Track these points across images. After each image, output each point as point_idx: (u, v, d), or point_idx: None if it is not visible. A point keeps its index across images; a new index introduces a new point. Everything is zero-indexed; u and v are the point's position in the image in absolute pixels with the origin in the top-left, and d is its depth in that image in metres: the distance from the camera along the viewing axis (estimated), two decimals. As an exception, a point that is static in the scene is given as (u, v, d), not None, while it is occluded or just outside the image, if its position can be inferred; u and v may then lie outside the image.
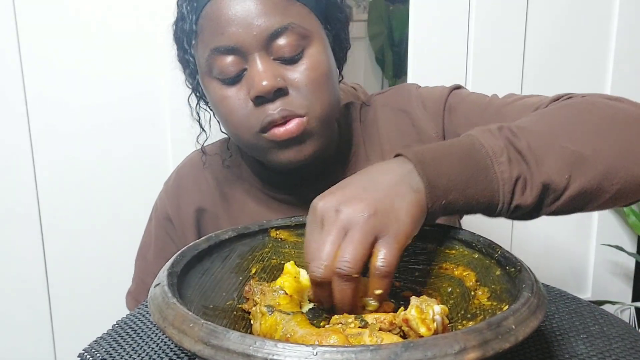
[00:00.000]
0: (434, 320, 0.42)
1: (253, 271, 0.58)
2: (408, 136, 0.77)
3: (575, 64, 1.37)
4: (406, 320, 0.42)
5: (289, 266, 0.55)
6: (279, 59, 0.66)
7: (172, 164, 1.19)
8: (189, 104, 0.78)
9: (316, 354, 0.33)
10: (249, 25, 0.64)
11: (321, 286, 0.47)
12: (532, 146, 0.52)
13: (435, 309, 0.43)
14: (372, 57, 2.16)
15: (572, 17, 1.34)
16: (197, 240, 0.55)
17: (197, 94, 0.76)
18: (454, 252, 0.57)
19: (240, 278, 0.57)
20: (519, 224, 1.44)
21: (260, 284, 0.53)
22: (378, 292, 0.46)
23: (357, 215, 0.46)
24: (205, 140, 0.81)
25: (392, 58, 2.10)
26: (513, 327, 0.37)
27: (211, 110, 0.76)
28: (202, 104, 0.78)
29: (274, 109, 0.65)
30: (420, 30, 1.28)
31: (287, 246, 0.63)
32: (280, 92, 0.65)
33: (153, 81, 1.18)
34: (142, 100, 1.18)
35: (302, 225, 0.63)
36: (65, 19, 1.12)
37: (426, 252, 0.59)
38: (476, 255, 0.55)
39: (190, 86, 0.76)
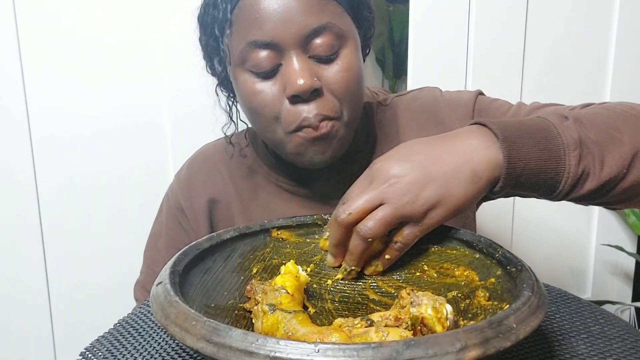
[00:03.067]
0: (447, 319, 0.43)
1: (254, 271, 0.59)
2: (433, 134, 0.78)
3: (575, 64, 1.37)
4: (423, 320, 0.43)
5: (290, 266, 0.55)
6: (314, 57, 0.66)
7: (173, 170, 1.19)
8: (217, 94, 0.78)
9: (318, 351, 0.33)
10: (288, 22, 0.64)
11: (337, 227, 0.54)
12: (599, 141, 0.55)
13: (448, 308, 0.43)
14: (372, 57, 2.16)
15: (572, 17, 1.35)
16: (199, 240, 0.56)
17: (225, 83, 0.76)
18: (454, 252, 0.57)
19: (242, 277, 0.57)
20: (519, 224, 1.45)
21: (262, 283, 0.53)
22: (387, 257, 0.56)
23: (399, 197, 0.52)
24: (234, 132, 0.81)
25: (392, 58, 2.10)
26: (514, 325, 0.37)
27: (235, 100, 0.77)
28: (225, 92, 0.78)
29: (309, 112, 0.65)
30: (420, 30, 1.29)
31: (288, 246, 0.63)
32: (316, 92, 0.65)
33: (153, 88, 1.18)
34: (142, 107, 1.18)
35: (304, 226, 0.64)
36: (66, 27, 1.12)
37: (427, 252, 0.59)
38: (477, 256, 0.55)
39: (212, 72, 0.76)
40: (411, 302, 0.46)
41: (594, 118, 0.58)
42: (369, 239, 0.52)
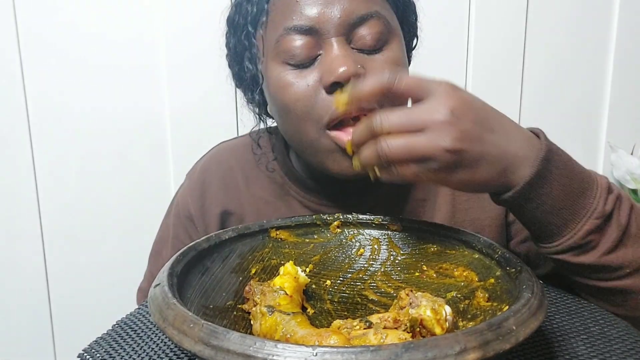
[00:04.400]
0: (446, 321, 0.43)
1: (253, 271, 0.58)
2: None
3: (575, 64, 1.37)
4: (422, 321, 0.43)
5: (289, 267, 0.55)
6: (358, 48, 0.60)
7: (173, 170, 1.19)
8: (250, 108, 0.72)
9: (316, 354, 0.33)
10: (333, 6, 0.58)
11: (366, 128, 0.48)
12: (627, 231, 0.52)
13: (447, 310, 0.43)
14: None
15: (572, 17, 1.34)
16: (198, 240, 0.55)
17: (254, 85, 0.68)
18: (454, 252, 0.57)
19: (240, 278, 0.57)
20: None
21: (261, 284, 0.53)
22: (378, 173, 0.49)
23: (446, 140, 0.46)
24: (259, 137, 0.76)
25: (392, 58, 2.10)
26: (514, 327, 0.37)
27: (264, 109, 0.71)
28: (252, 104, 0.72)
29: None
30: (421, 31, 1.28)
31: (287, 246, 0.63)
32: None
33: (153, 88, 1.18)
34: (142, 107, 1.18)
35: (302, 225, 0.64)
36: (66, 26, 1.12)
37: (427, 252, 0.59)
38: (476, 256, 0.55)
39: (238, 83, 0.70)
40: (410, 303, 0.45)
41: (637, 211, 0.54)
42: (383, 159, 0.47)
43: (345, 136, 0.59)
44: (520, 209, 0.52)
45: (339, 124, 0.60)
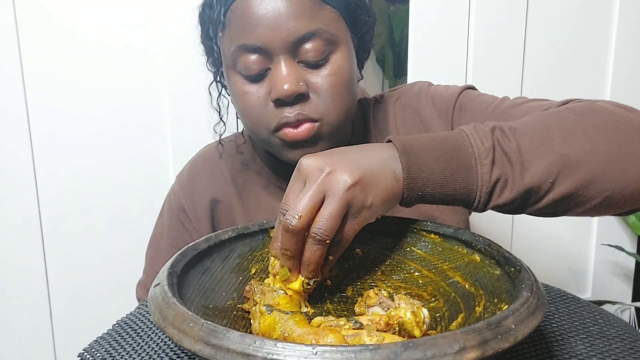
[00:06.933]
0: (424, 323, 0.44)
1: (253, 271, 0.59)
2: (416, 133, 0.78)
3: (575, 64, 1.37)
4: (402, 324, 0.43)
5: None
6: (303, 62, 0.66)
7: (173, 171, 1.19)
8: (210, 93, 0.80)
9: (316, 353, 0.33)
10: (277, 28, 0.64)
11: (291, 236, 0.49)
12: (521, 149, 0.52)
13: (425, 312, 0.44)
14: (372, 57, 2.16)
15: (572, 17, 1.35)
16: (197, 240, 0.56)
17: (219, 81, 0.78)
18: (453, 252, 0.57)
19: (240, 278, 0.57)
20: (519, 224, 1.44)
21: (261, 284, 0.53)
22: (331, 257, 0.52)
23: (340, 182, 0.49)
24: (223, 132, 0.83)
25: (392, 58, 2.10)
26: (512, 326, 0.37)
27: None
28: (223, 92, 0.80)
29: (290, 112, 0.66)
30: (420, 30, 1.28)
31: (287, 246, 0.63)
32: (300, 97, 0.66)
33: (153, 88, 1.18)
34: (142, 107, 1.18)
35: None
36: (65, 27, 1.12)
37: (425, 252, 0.59)
38: (476, 256, 0.55)
39: (211, 71, 0.78)
40: (380, 303, 0.46)
41: (530, 126, 0.55)
42: (327, 241, 0.49)
43: (289, 132, 0.67)
44: (423, 200, 0.54)
45: (282, 126, 0.67)
